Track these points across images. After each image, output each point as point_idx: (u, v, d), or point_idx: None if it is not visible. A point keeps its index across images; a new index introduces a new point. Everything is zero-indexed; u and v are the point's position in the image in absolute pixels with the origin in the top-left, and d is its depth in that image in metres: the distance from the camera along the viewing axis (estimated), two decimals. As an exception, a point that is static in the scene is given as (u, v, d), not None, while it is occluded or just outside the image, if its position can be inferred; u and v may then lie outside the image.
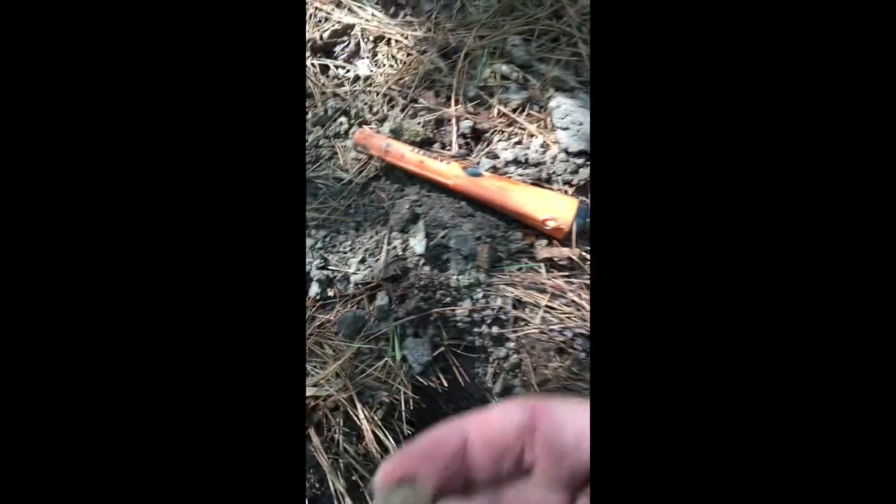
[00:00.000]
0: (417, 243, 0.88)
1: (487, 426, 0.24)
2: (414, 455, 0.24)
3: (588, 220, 0.89)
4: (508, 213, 0.91)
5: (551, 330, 0.83)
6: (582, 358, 0.81)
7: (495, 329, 0.89)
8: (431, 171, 0.93)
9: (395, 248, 0.88)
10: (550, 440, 0.23)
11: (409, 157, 0.93)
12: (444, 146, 1.03)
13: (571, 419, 0.23)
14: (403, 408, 0.80)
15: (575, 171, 0.98)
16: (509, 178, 0.94)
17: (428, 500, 0.23)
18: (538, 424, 0.24)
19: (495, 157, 1.00)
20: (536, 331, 0.84)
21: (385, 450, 0.76)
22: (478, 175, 0.92)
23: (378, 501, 0.23)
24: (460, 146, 1.02)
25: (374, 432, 0.76)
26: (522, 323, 0.86)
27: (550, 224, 0.87)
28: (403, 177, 0.98)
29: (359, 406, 0.76)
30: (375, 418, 0.77)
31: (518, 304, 0.87)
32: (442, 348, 0.84)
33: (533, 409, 0.24)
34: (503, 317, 0.86)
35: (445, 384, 0.85)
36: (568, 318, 0.84)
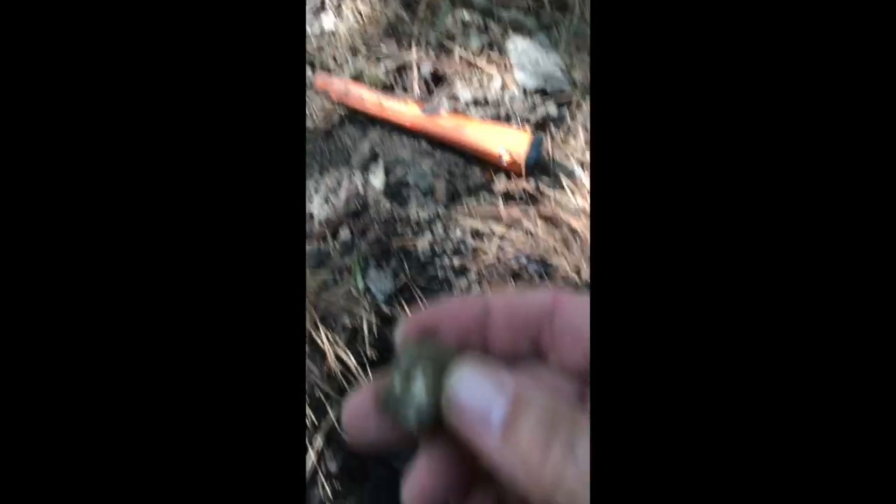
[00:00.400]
0: (377, 180, 0.92)
1: (511, 303, 0.24)
2: (437, 313, 0.24)
3: (542, 152, 0.92)
4: (466, 150, 0.94)
5: (505, 254, 0.86)
6: (536, 280, 0.84)
7: (456, 261, 0.92)
8: (390, 111, 0.95)
9: (355, 185, 0.91)
10: (569, 328, 0.23)
11: (368, 99, 0.96)
12: (405, 91, 1.05)
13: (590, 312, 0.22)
14: (367, 333, 0.84)
15: (532, 109, 1.01)
16: (467, 116, 0.97)
17: (451, 353, 0.22)
18: (558, 311, 0.24)
19: (455, 98, 1.03)
20: (493, 258, 0.88)
21: (347, 368, 0.80)
22: (435, 113, 0.94)
23: (400, 354, 0.23)
24: (421, 90, 1.04)
25: (336, 355, 0.80)
26: (482, 253, 0.89)
27: (506, 158, 0.90)
28: (365, 122, 1.01)
29: (321, 329, 0.80)
30: (339, 341, 0.81)
31: (476, 234, 0.91)
32: (405, 280, 0.88)
33: (555, 296, 0.24)
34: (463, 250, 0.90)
35: (409, 314, 0.89)
36: (522, 245, 0.88)
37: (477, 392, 0.20)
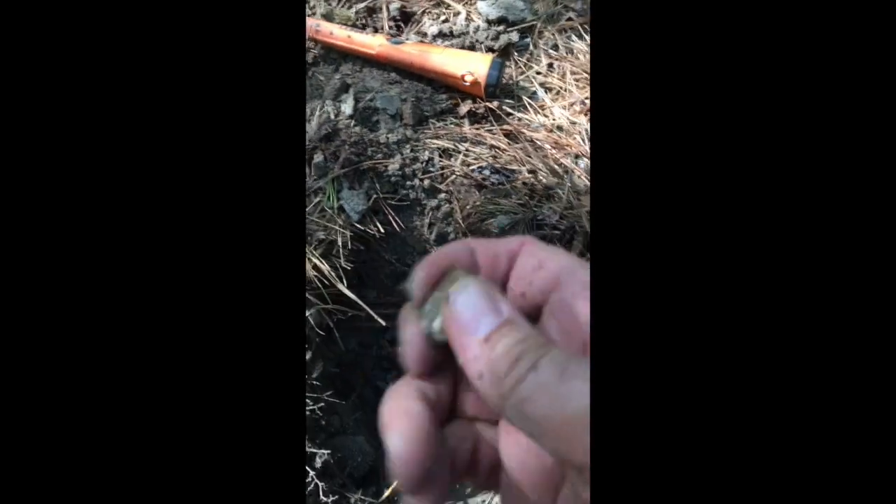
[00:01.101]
0: (347, 107, 0.97)
1: (488, 243, 0.26)
2: (439, 256, 0.25)
3: (502, 72, 0.97)
4: (430, 75, 0.99)
5: (470, 169, 0.91)
6: (499, 186, 0.89)
7: (427, 181, 0.97)
8: (358, 43, 1.00)
9: (326, 112, 0.96)
10: (529, 267, 0.25)
11: (336, 33, 1.01)
12: (376, 31, 1.10)
13: (547, 256, 0.24)
14: (341, 247, 0.89)
15: (495, 38, 1.05)
16: (431, 44, 1.02)
17: (477, 275, 0.24)
18: (522, 251, 0.25)
19: (423, 35, 1.07)
20: (460, 173, 0.92)
21: (322, 275, 0.85)
22: (400, 43, 0.99)
23: (434, 299, 0.24)
24: (390, 27, 1.09)
25: (313, 264, 0.85)
26: (448, 170, 0.94)
27: (468, 79, 0.95)
28: (338, 58, 1.06)
29: (295, 239, 0.85)
30: (315, 253, 0.86)
31: (443, 153, 0.95)
32: (375, 196, 0.93)
33: (522, 241, 0.26)
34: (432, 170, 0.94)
35: (382, 231, 0.94)
36: (483, 159, 0.92)
37: (473, 305, 0.22)
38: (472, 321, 0.22)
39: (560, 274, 0.24)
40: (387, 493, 0.89)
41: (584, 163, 0.91)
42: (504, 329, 0.21)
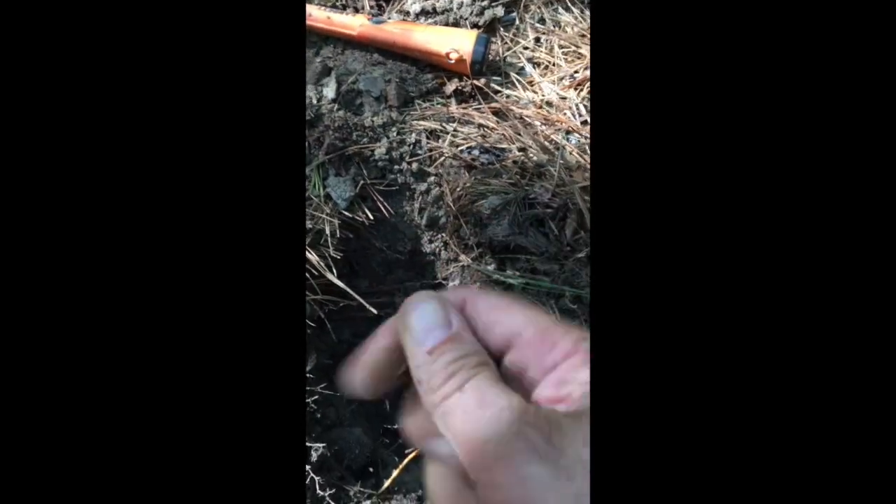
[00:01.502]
0: (329, 91, 0.93)
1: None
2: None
3: (488, 48, 0.93)
4: (414, 54, 0.95)
5: (459, 149, 0.88)
6: (489, 166, 0.86)
7: (415, 165, 0.94)
8: (338, 24, 0.97)
9: (309, 98, 0.93)
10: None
11: (315, 14, 0.97)
12: (356, 11, 1.07)
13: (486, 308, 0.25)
14: (329, 236, 0.87)
15: (480, 13, 1.02)
16: (414, 22, 0.98)
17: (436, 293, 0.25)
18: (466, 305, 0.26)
19: (406, 13, 1.04)
20: (449, 154, 0.90)
21: (312, 265, 0.83)
22: (382, 22, 0.96)
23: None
24: (371, 7, 1.06)
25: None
26: (436, 152, 0.91)
27: (453, 56, 0.91)
28: (318, 41, 1.03)
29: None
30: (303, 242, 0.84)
31: (430, 135, 0.92)
32: (362, 182, 0.90)
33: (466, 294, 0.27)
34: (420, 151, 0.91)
35: (371, 217, 0.91)
36: (472, 139, 0.89)
37: (426, 317, 0.24)
38: (421, 332, 0.24)
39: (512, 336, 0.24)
40: (387, 483, 0.87)
41: (576, 138, 0.88)
42: (447, 345, 0.23)
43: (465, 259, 0.91)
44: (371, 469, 0.91)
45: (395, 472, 0.88)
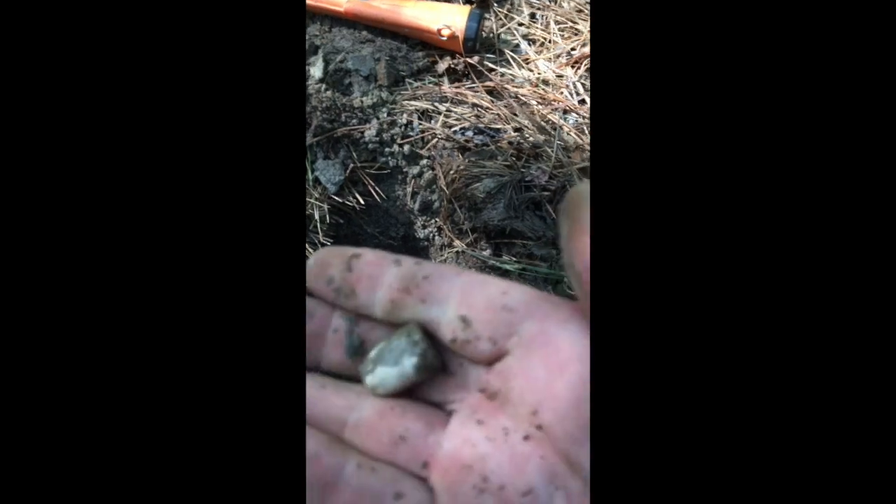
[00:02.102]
0: (316, 70, 0.90)
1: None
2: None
3: (481, 24, 0.90)
4: (404, 31, 0.92)
5: (452, 130, 0.85)
6: (483, 148, 0.83)
7: (407, 147, 0.91)
8: (325, 0, 0.93)
9: (295, 77, 0.90)
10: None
11: (301, -10, 0.93)
12: (344, -13, 1.02)
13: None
14: (319, 222, 0.83)
15: (473, -12, 0.98)
16: (404, -1, 0.94)
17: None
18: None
19: (395, -12, 1.00)
20: (441, 136, 0.86)
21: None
22: (370, -3, 0.92)
23: (380, 350, 0.24)
24: (360, -17, 1.01)
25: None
26: (429, 133, 0.88)
27: (445, 32, 0.88)
28: (305, 18, 0.98)
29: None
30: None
31: (422, 115, 0.89)
32: (352, 165, 0.87)
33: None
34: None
35: (362, 202, 0.88)
36: (465, 119, 0.86)
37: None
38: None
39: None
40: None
41: (574, 118, 0.85)
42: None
43: (459, 244, 0.88)
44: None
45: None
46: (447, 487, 0.21)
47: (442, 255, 0.95)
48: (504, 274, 0.84)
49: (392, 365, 0.23)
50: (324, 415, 0.23)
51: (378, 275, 0.24)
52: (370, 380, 0.23)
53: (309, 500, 0.21)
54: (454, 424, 0.23)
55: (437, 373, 0.23)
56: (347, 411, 0.23)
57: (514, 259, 0.81)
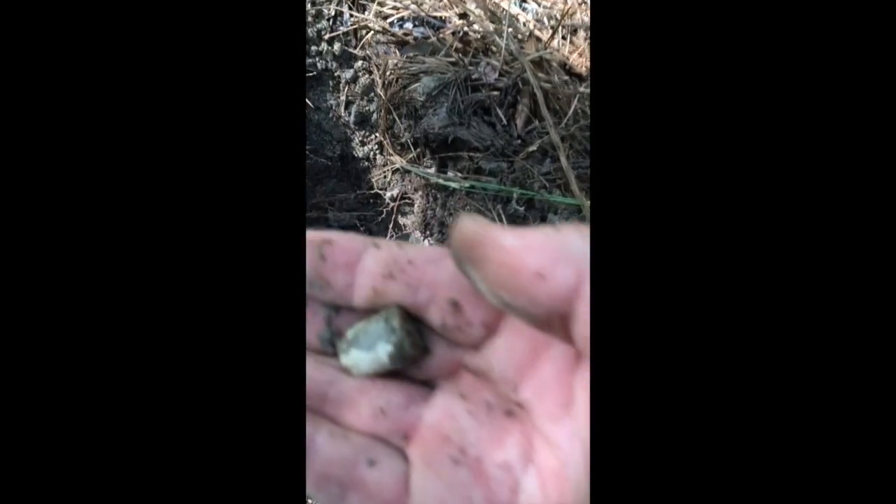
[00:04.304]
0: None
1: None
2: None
3: None
4: None
5: (388, 22, 0.71)
6: (424, 41, 0.70)
7: (337, 45, 0.77)
8: None
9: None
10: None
11: None
12: None
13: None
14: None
15: None
16: None
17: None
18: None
19: None
20: (378, 29, 0.72)
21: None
22: None
23: (356, 330, 0.24)
24: None
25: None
26: (361, 25, 0.74)
27: None
28: None
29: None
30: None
31: (353, 4, 0.75)
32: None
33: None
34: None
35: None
36: (403, 6, 0.72)
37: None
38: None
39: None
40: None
41: (530, 7, 0.71)
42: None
43: (399, 161, 0.76)
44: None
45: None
46: (423, 456, 0.22)
47: (385, 177, 0.83)
48: (450, 193, 0.73)
49: (366, 350, 0.23)
50: None
51: (354, 262, 0.22)
52: (344, 360, 0.23)
53: None
54: (437, 398, 0.23)
55: (414, 361, 0.23)
56: (327, 386, 0.23)
57: (461, 175, 0.69)
